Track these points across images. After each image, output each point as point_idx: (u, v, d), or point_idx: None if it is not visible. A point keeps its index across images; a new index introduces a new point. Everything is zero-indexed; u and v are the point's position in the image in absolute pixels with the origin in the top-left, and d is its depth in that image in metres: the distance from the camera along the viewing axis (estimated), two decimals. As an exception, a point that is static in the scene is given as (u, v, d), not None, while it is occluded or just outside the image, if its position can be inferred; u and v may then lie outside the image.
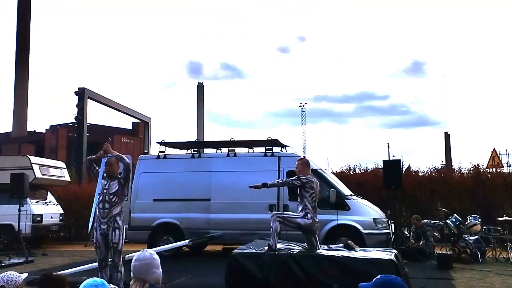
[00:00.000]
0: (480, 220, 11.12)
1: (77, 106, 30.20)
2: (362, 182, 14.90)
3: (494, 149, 14.86)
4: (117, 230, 6.69)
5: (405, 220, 15.06)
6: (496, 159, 14.73)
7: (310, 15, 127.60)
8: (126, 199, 8.66)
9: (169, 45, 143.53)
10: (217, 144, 12.63)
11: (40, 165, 14.70)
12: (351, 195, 11.30)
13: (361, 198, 11.53)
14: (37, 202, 14.41)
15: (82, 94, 30.18)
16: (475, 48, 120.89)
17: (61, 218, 15.29)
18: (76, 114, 30.44)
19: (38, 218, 13.99)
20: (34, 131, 49.58)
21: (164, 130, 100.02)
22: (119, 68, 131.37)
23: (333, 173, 14.05)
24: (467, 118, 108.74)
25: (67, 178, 16.27)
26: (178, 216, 11.62)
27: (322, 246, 7.91)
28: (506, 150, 24.41)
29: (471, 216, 11.23)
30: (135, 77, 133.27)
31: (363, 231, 10.51)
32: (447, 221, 11.34)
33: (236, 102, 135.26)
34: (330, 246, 8.23)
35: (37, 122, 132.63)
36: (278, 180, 7.37)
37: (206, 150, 12.67)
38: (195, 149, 12.59)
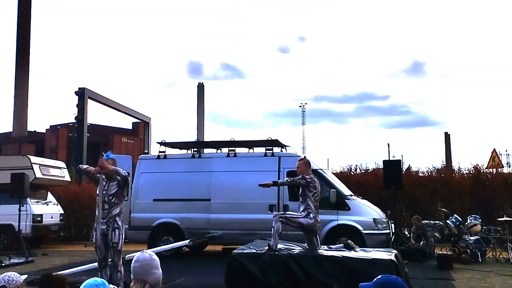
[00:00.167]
0: (480, 220, 11.11)
1: (77, 106, 30.28)
2: (362, 182, 14.90)
3: (494, 149, 14.88)
4: (116, 230, 6.70)
5: (405, 220, 15.06)
6: (496, 160, 14.73)
7: (310, 15, 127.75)
8: (126, 199, 8.67)
9: (169, 45, 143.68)
10: (217, 144, 12.63)
11: (40, 165, 14.70)
12: (351, 195, 11.31)
13: (361, 198, 11.53)
14: (37, 202, 14.41)
15: (82, 94, 30.24)
16: (475, 48, 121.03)
17: (61, 218, 15.29)
18: (76, 114, 30.51)
19: (38, 218, 13.98)
20: (35, 131, 49.60)
21: (164, 130, 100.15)
22: (119, 68, 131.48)
23: (333, 173, 14.05)
24: (467, 118, 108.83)
25: (67, 178, 16.27)
26: (178, 216, 11.62)
27: (322, 246, 7.91)
28: (506, 151, 24.42)
29: (471, 217, 11.22)
30: (135, 77, 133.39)
31: (363, 231, 10.51)
32: (447, 221, 11.34)
33: (236, 102, 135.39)
34: (331, 246, 8.24)
35: (37, 122, 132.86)
36: (287, 178, 7.38)
37: (206, 150, 12.68)
38: (195, 149, 12.59)
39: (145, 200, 11.91)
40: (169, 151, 12.80)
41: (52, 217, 14.74)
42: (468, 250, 10.35)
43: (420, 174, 15.99)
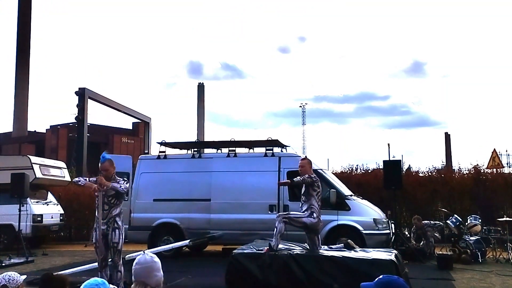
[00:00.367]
0: (480, 220, 11.11)
1: (77, 106, 30.31)
2: (362, 183, 14.90)
3: (494, 149, 14.89)
4: (117, 230, 6.70)
5: (405, 220, 15.06)
6: (496, 160, 14.73)
7: (310, 15, 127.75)
8: (126, 199, 8.68)
9: (169, 45, 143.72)
10: (217, 144, 12.63)
11: (40, 165, 14.71)
12: (351, 195, 11.31)
13: (362, 199, 11.53)
14: (37, 202, 14.41)
15: (83, 94, 30.27)
16: (475, 48, 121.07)
17: (61, 218, 15.29)
18: (77, 114, 30.55)
19: (39, 218, 13.98)
20: (35, 131, 49.63)
21: (165, 130, 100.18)
22: (119, 68, 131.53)
23: (334, 173, 14.05)
24: (467, 118, 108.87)
25: (68, 178, 16.26)
26: (178, 216, 11.62)
27: (322, 246, 7.92)
28: (506, 151, 24.50)
29: (471, 217, 11.22)
30: (135, 77, 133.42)
31: (363, 232, 10.51)
32: (447, 221, 11.34)
33: (236, 102, 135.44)
34: (331, 246, 8.24)
35: (37, 122, 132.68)
36: (298, 178, 7.38)
37: (207, 150, 12.68)
38: (196, 149, 12.59)
39: (145, 200, 11.90)
40: (169, 151, 12.81)
41: (52, 217, 14.74)
42: (468, 250, 10.35)
43: (420, 174, 15.99)
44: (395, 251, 7.65)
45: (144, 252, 2.82)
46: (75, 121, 31.38)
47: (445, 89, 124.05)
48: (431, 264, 9.99)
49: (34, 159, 14.79)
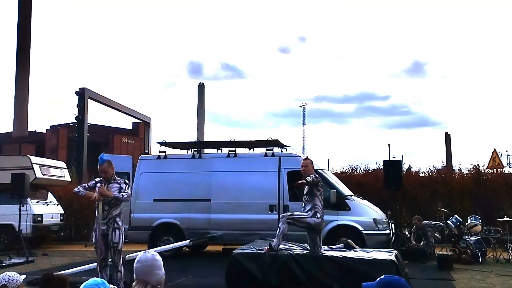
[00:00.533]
0: (480, 220, 11.11)
1: (77, 106, 30.26)
2: (362, 183, 14.89)
3: (494, 149, 14.90)
4: (117, 230, 6.69)
5: (405, 220, 15.06)
6: (496, 160, 14.74)
7: (310, 15, 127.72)
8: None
9: (169, 45, 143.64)
10: (217, 145, 12.63)
11: (40, 165, 14.70)
12: (351, 195, 11.30)
13: (362, 199, 11.53)
14: (37, 202, 14.41)
15: (83, 94, 30.23)
16: (476, 48, 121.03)
17: (61, 218, 15.29)
18: (77, 114, 30.49)
19: (39, 218, 13.98)
20: (35, 131, 49.61)
21: (165, 130, 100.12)
22: (119, 68, 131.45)
23: (334, 173, 14.05)
24: (467, 118, 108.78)
25: (68, 178, 16.27)
26: (178, 216, 11.62)
27: (323, 246, 7.92)
28: (506, 151, 24.48)
29: (472, 217, 11.22)
30: (135, 77, 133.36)
31: (364, 232, 10.51)
32: (448, 221, 11.34)
33: (236, 102, 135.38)
34: (331, 247, 8.25)
35: (37, 122, 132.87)
36: (308, 178, 7.34)
37: (207, 151, 12.68)
38: (196, 149, 12.59)
39: (146, 200, 11.90)
40: (170, 151, 12.81)
41: (52, 217, 14.74)
42: (469, 251, 10.35)
43: (421, 175, 15.99)
44: (395, 251, 7.65)
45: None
46: (75, 121, 31.30)
47: (445, 89, 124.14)
48: (431, 264, 9.99)
49: (34, 159, 14.79)
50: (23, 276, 3.29)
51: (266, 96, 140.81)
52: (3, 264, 10.21)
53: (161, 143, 12.43)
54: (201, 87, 75.14)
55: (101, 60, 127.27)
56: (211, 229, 11.34)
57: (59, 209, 15.33)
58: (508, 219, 11.13)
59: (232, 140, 12.02)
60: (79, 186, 6.97)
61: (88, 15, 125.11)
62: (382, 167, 12.40)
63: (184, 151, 12.80)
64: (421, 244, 11.23)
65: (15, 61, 48.66)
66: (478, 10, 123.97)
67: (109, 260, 6.75)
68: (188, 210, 11.60)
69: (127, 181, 7.06)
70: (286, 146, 12.11)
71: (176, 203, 11.71)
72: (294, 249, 7.54)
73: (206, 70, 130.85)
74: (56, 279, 3.38)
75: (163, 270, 2.73)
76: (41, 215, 14.12)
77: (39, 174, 14.27)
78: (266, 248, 7.35)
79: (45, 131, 47.75)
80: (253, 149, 12.43)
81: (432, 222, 11.79)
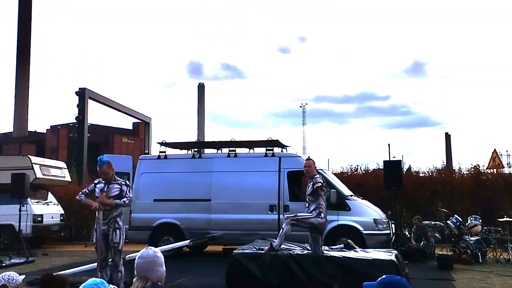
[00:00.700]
0: (480, 220, 11.10)
1: (78, 106, 30.25)
2: (362, 183, 14.89)
3: (494, 149, 14.90)
4: (117, 231, 6.70)
5: (405, 220, 15.06)
6: (496, 160, 14.74)
7: (310, 15, 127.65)
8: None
9: (169, 45, 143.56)
10: (217, 145, 12.63)
11: (40, 165, 14.71)
12: (351, 195, 11.30)
13: (362, 199, 11.52)
14: (37, 202, 14.41)
15: (83, 94, 30.21)
16: (476, 48, 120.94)
17: (61, 218, 15.29)
18: (77, 114, 30.48)
19: (39, 218, 13.98)
20: (35, 131, 49.61)
21: (165, 130, 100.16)
22: (119, 68, 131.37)
23: (334, 173, 14.05)
24: (467, 118, 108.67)
25: (68, 178, 16.28)
26: (178, 217, 11.62)
27: (323, 246, 7.92)
28: (506, 151, 24.47)
29: (472, 217, 11.22)
30: (135, 77, 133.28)
31: (364, 232, 10.51)
32: (448, 221, 11.33)
33: (236, 102, 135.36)
34: (331, 246, 8.25)
35: (38, 122, 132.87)
36: (317, 178, 7.35)
37: (207, 151, 12.68)
38: (196, 149, 12.59)
39: (146, 200, 11.90)
40: (170, 151, 12.81)
41: (52, 217, 14.74)
42: (469, 251, 10.34)
43: (421, 175, 15.97)
44: (395, 252, 7.66)
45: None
46: (75, 121, 31.29)
47: (445, 89, 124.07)
48: (432, 265, 9.98)
49: (34, 159, 14.80)
50: (23, 276, 3.29)
51: (266, 96, 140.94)
52: (3, 264, 10.21)
53: (161, 143, 12.43)
54: (201, 87, 75.15)
55: (101, 60, 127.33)
56: (211, 229, 11.34)
57: (59, 209, 15.33)
58: (508, 219, 11.12)
59: (232, 140, 12.02)
60: (80, 194, 7.00)
61: (88, 15, 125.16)
62: (382, 167, 12.40)
63: (184, 151, 12.80)
64: (421, 244, 11.22)
65: (15, 61, 48.66)
66: (478, 10, 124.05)
67: (110, 260, 6.76)
68: (188, 210, 11.60)
69: (128, 182, 7.07)
70: (286, 146, 12.11)
71: (176, 203, 11.71)
72: (294, 249, 7.54)
73: (206, 70, 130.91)
74: (56, 279, 3.38)
75: (164, 267, 2.73)
76: (41, 215, 14.12)
77: (39, 174, 14.27)
78: (266, 248, 7.36)
79: (45, 131, 47.76)
80: (253, 149, 12.43)
81: (432, 222, 11.79)
